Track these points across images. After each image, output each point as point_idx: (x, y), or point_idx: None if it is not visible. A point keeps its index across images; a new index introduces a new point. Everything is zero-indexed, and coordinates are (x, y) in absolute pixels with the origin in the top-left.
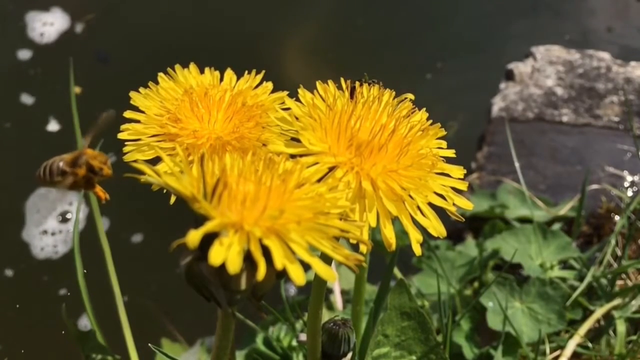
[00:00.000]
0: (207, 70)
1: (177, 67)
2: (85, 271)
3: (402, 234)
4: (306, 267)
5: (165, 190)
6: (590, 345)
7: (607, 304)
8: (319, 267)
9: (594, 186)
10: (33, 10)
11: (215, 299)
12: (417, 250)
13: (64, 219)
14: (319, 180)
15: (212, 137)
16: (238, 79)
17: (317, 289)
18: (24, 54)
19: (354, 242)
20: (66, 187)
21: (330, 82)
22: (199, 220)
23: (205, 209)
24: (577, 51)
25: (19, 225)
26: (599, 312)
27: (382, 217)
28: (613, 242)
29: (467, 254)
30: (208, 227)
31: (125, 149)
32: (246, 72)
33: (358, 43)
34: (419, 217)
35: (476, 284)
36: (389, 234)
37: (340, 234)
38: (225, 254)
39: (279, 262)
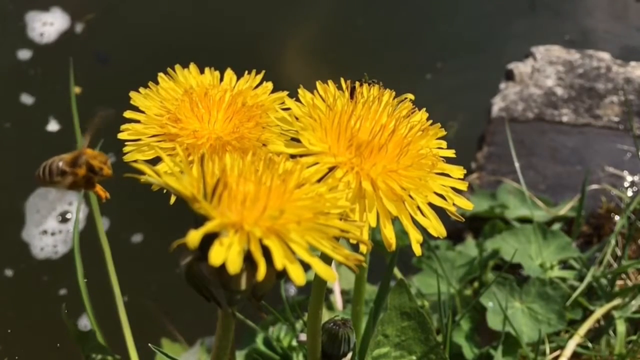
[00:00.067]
0: (207, 70)
1: (177, 67)
2: (85, 271)
3: (402, 234)
4: (306, 267)
5: (165, 190)
6: (590, 345)
7: (607, 304)
8: (319, 267)
9: (594, 186)
10: (33, 10)
11: (215, 299)
12: (417, 250)
13: (63, 219)
14: (319, 181)
15: (212, 137)
16: (238, 79)
17: (317, 289)
18: (24, 54)
19: (354, 242)
20: (66, 187)
21: (330, 82)
22: (199, 220)
23: (205, 209)
24: (577, 51)
25: (18, 225)
26: (598, 312)
27: (382, 217)
28: (613, 242)
29: (467, 254)
30: (208, 227)
31: (125, 149)
32: (246, 72)
33: (358, 43)
34: (419, 217)
35: (476, 284)
36: (389, 234)
37: (340, 234)
38: (226, 254)
39: (279, 262)
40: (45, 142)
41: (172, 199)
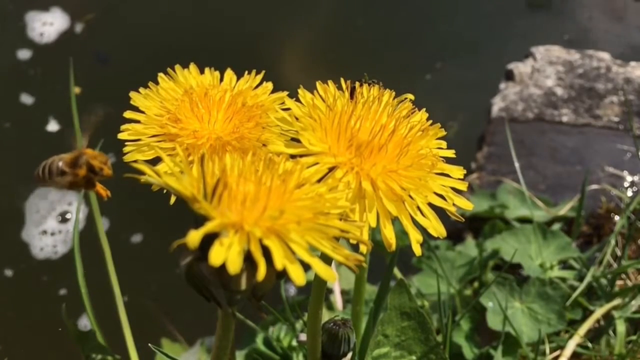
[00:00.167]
0: (207, 70)
1: (177, 67)
2: (85, 271)
3: (402, 234)
4: (306, 267)
5: (165, 191)
6: (590, 345)
7: (607, 304)
8: (319, 267)
9: (594, 186)
10: (33, 10)
11: (215, 299)
12: (417, 250)
13: (63, 219)
14: (319, 181)
15: (212, 137)
16: (238, 79)
17: (317, 289)
18: (24, 54)
19: (354, 242)
20: (65, 186)
21: (330, 82)
22: (199, 220)
23: (205, 209)
24: (577, 51)
25: (18, 225)
26: (598, 312)
27: (382, 217)
28: (613, 242)
29: (467, 254)
30: (208, 227)
31: (125, 149)
32: (246, 72)
33: (358, 43)
34: (419, 218)
35: (476, 284)
36: (389, 234)
37: (340, 234)
38: (226, 254)
39: (279, 262)
40: (45, 142)
41: (172, 199)
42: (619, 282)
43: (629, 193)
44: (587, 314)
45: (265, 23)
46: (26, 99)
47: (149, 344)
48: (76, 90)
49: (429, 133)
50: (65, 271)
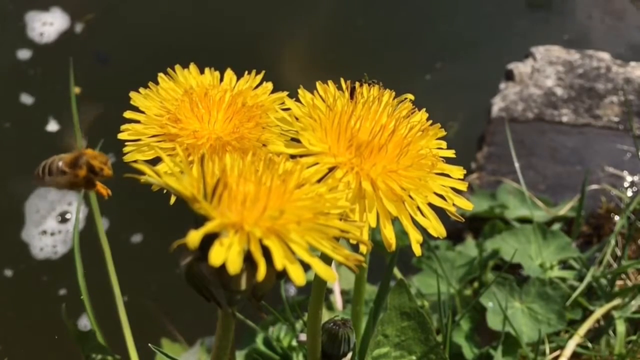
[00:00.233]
0: (207, 70)
1: (177, 67)
2: (85, 271)
3: (402, 234)
4: (306, 267)
5: (165, 191)
6: (590, 345)
7: (606, 304)
8: (319, 267)
9: (594, 186)
10: (33, 10)
11: (215, 299)
12: (417, 250)
13: (63, 219)
14: (319, 181)
15: (212, 137)
16: (238, 79)
17: (317, 289)
18: (24, 54)
19: (354, 242)
20: (65, 186)
21: (330, 82)
22: (199, 220)
23: (205, 210)
24: (576, 51)
25: (18, 225)
26: (598, 312)
27: (382, 217)
28: (613, 242)
29: (467, 254)
30: (208, 227)
31: (125, 149)
32: (246, 72)
33: (358, 43)
34: (419, 218)
35: (476, 284)
36: (389, 235)
37: (340, 235)
38: (226, 255)
39: (279, 262)
40: (45, 142)
41: (172, 199)
42: (618, 282)
43: (629, 193)
44: (587, 314)
45: (265, 23)
46: (26, 99)
47: (149, 344)
48: (76, 90)
49: (429, 133)
50: (65, 271)
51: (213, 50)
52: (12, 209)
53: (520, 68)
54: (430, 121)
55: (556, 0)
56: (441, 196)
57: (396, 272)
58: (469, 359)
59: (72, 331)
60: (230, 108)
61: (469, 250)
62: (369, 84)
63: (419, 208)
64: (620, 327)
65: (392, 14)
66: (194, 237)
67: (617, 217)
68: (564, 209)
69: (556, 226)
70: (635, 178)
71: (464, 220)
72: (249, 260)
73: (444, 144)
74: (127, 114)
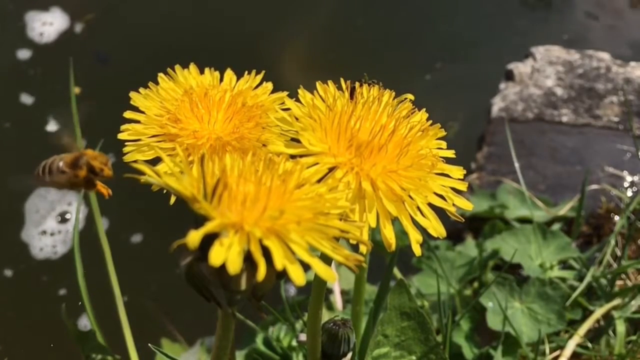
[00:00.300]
0: (207, 70)
1: (177, 67)
2: (85, 271)
3: (401, 234)
4: (306, 267)
5: (165, 191)
6: (589, 345)
7: (606, 304)
8: (318, 267)
9: (594, 186)
10: (32, 10)
11: (215, 299)
12: (417, 250)
13: (63, 220)
14: (319, 181)
15: (212, 137)
16: (238, 79)
17: (317, 289)
18: (24, 54)
19: (354, 242)
20: (65, 186)
21: (330, 82)
22: (199, 220)
23: (205, 210)
24: (576, 51)
25: (18, 225)
26: (598, 312)
27: (382, 217)
28: (613, 242)
29: (466, 254)
30: (208, 227)
31: (125, 149)
32: (246, 72)
33: (358, 43)
34: (419, 218)
35: (476, 284)
36: (389, 235)
37: (340, 235)
38: (226, 255)
39: (279, 262)
40: (45, 142)
41: (172, 199)
42: (618, 282)
43: (629, 193)
44: (587, 314)
45: (265, 23)
46: (26, 99)
47: (149, 344)
48: (76, 90)
49: (428, 133)
50: (65, 271)
51: (213, 50)
52: (12, 209)
53: (520, 68)
54: (430, 121)
55: (556, 0)
56: (441, 196)
57: (396, 272)
58: (468, 359)
59: (72, 331)
60: (230, 108)
61: (469, 250)
62: (369, 84)
63: (418, 208)
64: (620, 327)
65: (392, 14)
66: (194, 237)
67: (617, 217)
68: (564, 209)
69: (556, 226)
70: (635, 178)
71: (463, 220)
72: (249, 260)
73: (444, 144)
74: (127, 114)
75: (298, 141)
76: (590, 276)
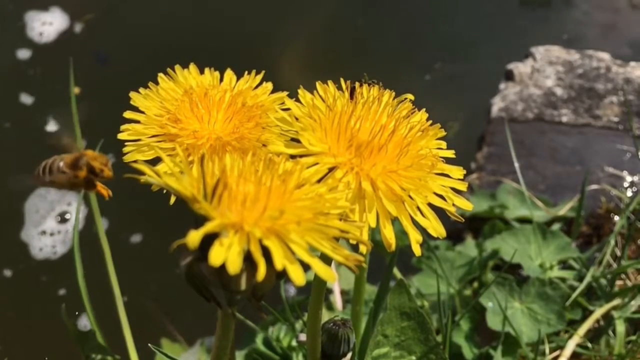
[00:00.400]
0: (207, 70)
1: (177, 67)
2: (84, 271)
3: (401, 234)
4: (306, 267)
5: (165, 191)
6: (589, 345)
7: (606, 304)
8: (318, 267)
9: (594, 186)
10: (32, 10)
11: (215, 299)
12: (417, 250)
13: (62, 220)
14: (319, 181)
15: (212, 137)
16: (238, 79)
17: (317, 289)
18: (23, 54)
19: (354, 242)
20: (65, 187)
21: (330, 82)
22: (199, 220)
23: (205, 210)
24: (576, 51)
25: (18, 225)
26: (598, 312)
27: (382, 217)
28: (612, 242)
29: (466, 254)
30: (208, 227)
31: (125, 149)
32: (246, 72)
33: (358, 43)
34: (419, 218)
35: (476, 284)
36: (389, 235)
37: (340, 235)
38: (226, 255)
39: (279, 262)
40: (44, 142)
41: (172, 199)
42: (618, 282)
43: (629, 193)
44: (586, 314)
45: (265, 23)
46: (26, 99)
47: (149, 344)
48: (76, 90)
49: (428, 133)
50: (64, 271)
51: (213, 50)
52: (12, 209)
53: (520, 68)
54: (430, 121)
55: (556, 0)
56: (441, 196)
57: (396, 272)
58: (468, 359)
59: (72, 331)
60: (230, 108)
61: (469, 250)
62: (369, 84)
63: (418, 208)
64: (620, 327)
65: (392, 14)
66: (193, 237)
67: (616, 217)
68: (564, 209)
69: (556, 226)
70: (635, 178)
71: (463, 220)
72: (249, 260)
73: (443, 144)
74: (127, 114)
75: (298, 141)
76: (590, 276)
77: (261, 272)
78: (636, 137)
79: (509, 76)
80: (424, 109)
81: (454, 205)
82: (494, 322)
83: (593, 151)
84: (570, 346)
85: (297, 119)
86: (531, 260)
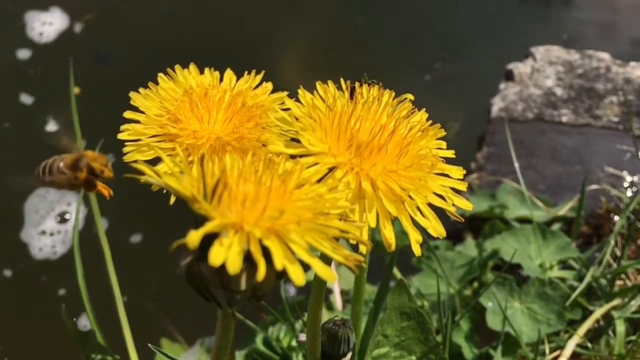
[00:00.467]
0: (206, 70)
1: (177, 67)
2: (84, 271)
3: (401, 234)
4: (306, 267)
5: (165, 191)
6: (589, 345)
7: (606, 304)
8: (318, 267)
9: (594, 186)
10: (32, 10)
11: (215, 299)
12: (417, 250)
13: (62, 220)
14: (319, 181)
15: (212, 137)
16: (238, 79)
17: (317, 289)
18: (23, 54)
19: (354, 242)
20: (66, 187)
21: (330, 82)
22: (199, 220)
23: (205, 210)
24: (576, 51)
25: (17, 225)
26: (598, 312)
27: (382, 217)
28: (612, 242)
29: (466, 254)
30: (208, 227)
31: (125, 149)
32: (246, 72)
33: (358, 43)
34: (419, 218)
35: (476, 284)
36: (389, 235)
37: (340, 235)
38: (225, 255)
39: (279, 262)
40: (44, 142)
41: (172, 199)
42: (618, 282)
43: (629, 193)
44: (586, 314)
45: (265, 23)
46: (26, 98)
47: (149, 344)
48: (76, 90)
49: (428, 133)
50: (64, 271)
51: (213, 50)
52: (12, 209)
53: (520, 68)
54: (430, 121)
55: (555, 0)
56: (441, 196)
57: (396, 272)
58: (468, 359)
59: (72, 331)
60: (230, 108)
61: (469, 250)
62: (369, 84)
63: (418, 208)
64: (620, 327)
65: (392, 14)
66: (193, 237)
67: (616, 217)
68: (564, 209)
69: (556, 226)
70: (635, 178)
71: (463, 220)
72: (248, 260)
73: (443, 144)
74: (127, 114)
75: (298, 141)
76: (590, 276)
77: (261, 272)
78: (636, 137)
79: (509, 76)
80: (424, 109)
81: (453, 205)
82: (493, 322)
83: (593, 151)
84: (570, 346)
85: (297, 119)
86: (531, 260)
